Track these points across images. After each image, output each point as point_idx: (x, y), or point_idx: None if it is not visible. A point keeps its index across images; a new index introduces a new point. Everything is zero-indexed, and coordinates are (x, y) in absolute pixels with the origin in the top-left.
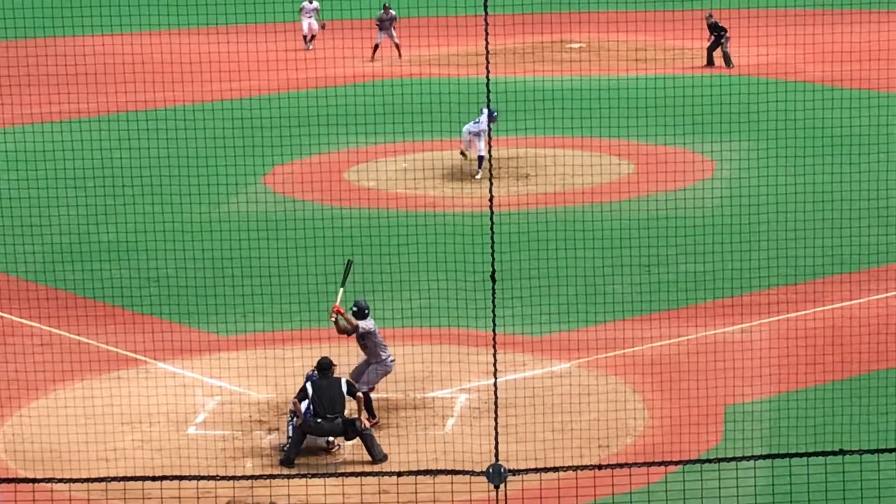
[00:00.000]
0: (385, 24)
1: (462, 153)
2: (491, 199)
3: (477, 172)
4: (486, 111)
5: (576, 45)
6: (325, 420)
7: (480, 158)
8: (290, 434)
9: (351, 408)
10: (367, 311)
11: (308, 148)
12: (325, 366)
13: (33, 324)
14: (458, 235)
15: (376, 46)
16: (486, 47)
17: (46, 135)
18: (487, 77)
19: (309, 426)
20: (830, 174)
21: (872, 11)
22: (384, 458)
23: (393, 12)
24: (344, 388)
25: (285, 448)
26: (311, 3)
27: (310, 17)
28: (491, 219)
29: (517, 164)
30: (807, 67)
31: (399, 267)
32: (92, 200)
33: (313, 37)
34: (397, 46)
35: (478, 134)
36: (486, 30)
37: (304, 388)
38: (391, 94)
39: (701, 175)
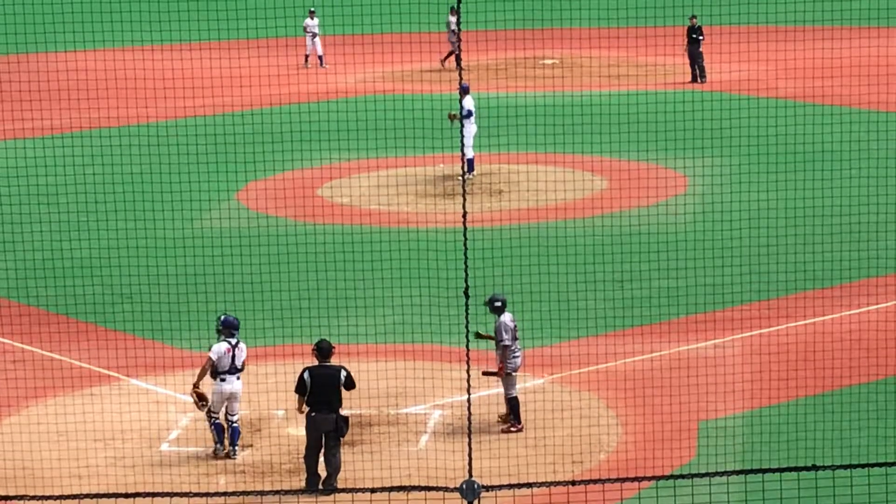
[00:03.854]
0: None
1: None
2: (464, 215)
3: (469, 174)
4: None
5: (549, 62)
6: (319, 414)
7: (470, 161)
8: (215, 432)
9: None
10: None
11: (281, 164)
12: (325, 351)
13: (5, 340)
14: (432, 251)
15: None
16: (459, 60)
17: (18, 151)
18: (460, 78)
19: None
20: (803, 190)
21: (844, 28)
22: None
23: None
24: (342, 380)
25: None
26: (312, 19)
27: (312, 34)
28: (464, 235)
29: (490, 180)
30: (779, 84)
31: (373, 283)
32: (64, 217)
33: (320, 57)
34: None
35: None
36: (459, 51)
37: (301, 379)
38: (364, 110)
39: (674, 191)
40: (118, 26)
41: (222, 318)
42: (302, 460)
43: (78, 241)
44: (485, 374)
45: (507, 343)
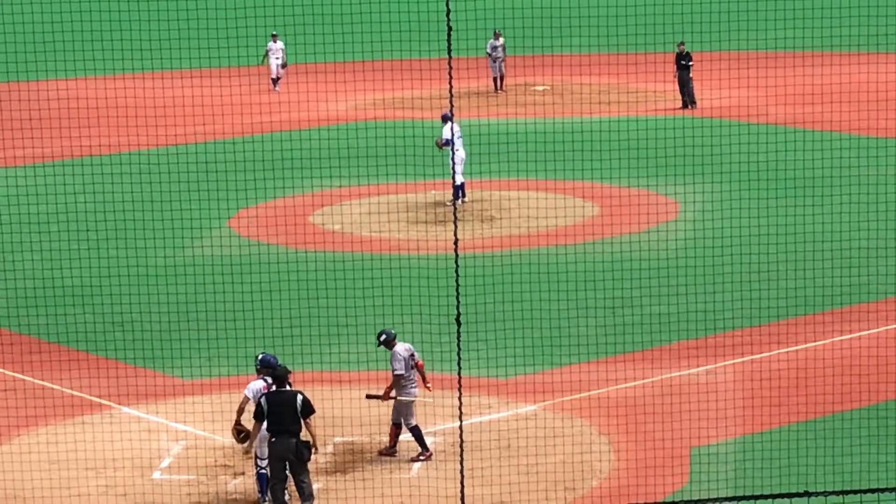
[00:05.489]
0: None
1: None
2: (456, 242)
3: (460, 200)
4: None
5: (540, 88)
6: (278, 439)
7: (462, 185)
8: (259, 482)
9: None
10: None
11: (273, 191)
12: (280, 377)
13: None
14: (424, 278)
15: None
16: (450, 72)
17: (10, 179)
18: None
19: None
20: (794, 216)
21: (834, 53)
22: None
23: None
24: (298, 406)
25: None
26: (275, 42)
27: (277, 58)
28: (456, 262)
29: (482, 207)
30: (770, 109)
31: (364, 310)
32: (56, 245)
33: (278, 79)
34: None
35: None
36: (449, 64)
37: (258, 405)
38: (356, 137)
39: (665, 217)
40: (109, 54)
41: (261, 356)
42: (270, 491)
43: (69, 269)
44: (368, 397)
45: (398, 373)
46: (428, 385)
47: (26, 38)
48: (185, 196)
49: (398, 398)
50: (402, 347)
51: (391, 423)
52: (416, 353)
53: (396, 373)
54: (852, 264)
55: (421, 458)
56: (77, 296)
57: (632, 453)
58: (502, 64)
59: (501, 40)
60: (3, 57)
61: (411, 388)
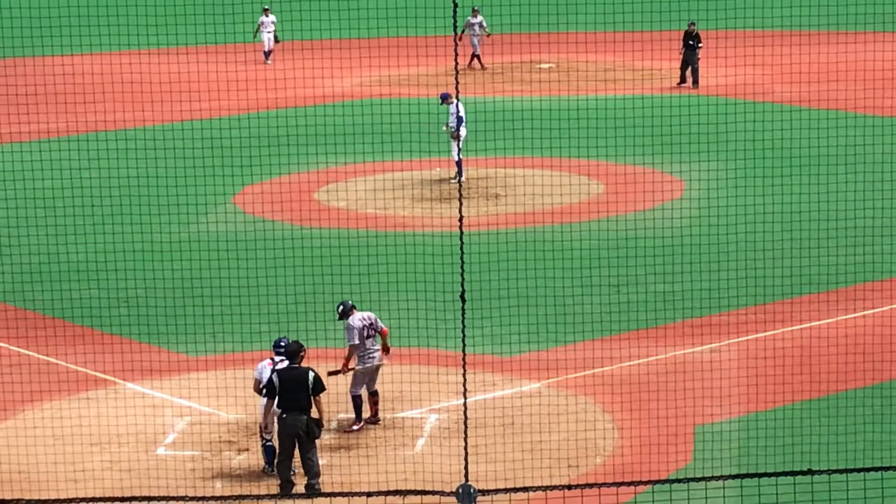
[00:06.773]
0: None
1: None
2: (461, 219)
3: (456, 177)
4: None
5: (545, 66)
6: (290, 415)
7: (458, 163)
8: (266, 454)
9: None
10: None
11: (278, 168)
12: (292, 353)
13: (2, 344)
14: (428, 255)
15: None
16: (455, 56)
17: (15, 154)
18: (456, 75)
19: (278, 423)
20: (799, 194)
21: (840, 32)
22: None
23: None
24: (310, 382)
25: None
26: (267, 16)
27: (269, 31)
28: (461, 239)
29: (487, 184)
30: (775, 88)
31: (369, 287)
32: (61, 220)
33: (268, 52)
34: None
35: (457, 121)
36: (455, 46)
37: (270, 382)
38: (361, 114)
39: (670, 195)
40: (115, 30)
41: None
42: (276, 467)
43: (74, 244)
44: (330, 373)
45: (351, 343)
46: (385, 357)
47: (31, 13)
48: (191, 172)
49: (356, 369)
50: (357, 318)
51: (365, 394)
52: (378, 321)
53: (350, 343)
54: (857, 243)
55: (354, 427)
56: (82, 271)
57: (635, 431)
58: (478, 41)
59: (479, 18)
60: (9, 32)
61: (369, 358)
